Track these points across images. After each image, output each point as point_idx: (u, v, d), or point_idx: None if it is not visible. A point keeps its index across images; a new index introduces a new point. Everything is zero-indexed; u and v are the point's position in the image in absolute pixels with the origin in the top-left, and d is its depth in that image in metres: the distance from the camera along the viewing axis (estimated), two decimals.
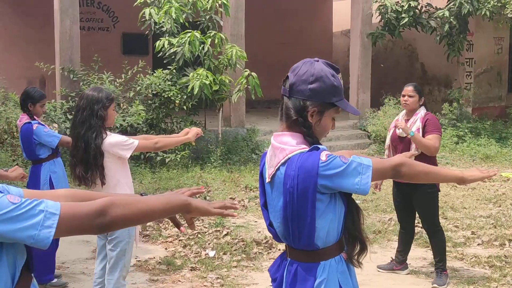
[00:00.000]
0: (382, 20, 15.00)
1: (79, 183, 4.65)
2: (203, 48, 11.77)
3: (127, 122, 11.17)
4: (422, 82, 18.24)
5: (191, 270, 6.40)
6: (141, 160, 11.53)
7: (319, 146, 2.61)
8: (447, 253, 6.96)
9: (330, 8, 21.07)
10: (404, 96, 6.20)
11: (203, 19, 12.43)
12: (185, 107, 11.83)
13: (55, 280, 5.97)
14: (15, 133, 10.76)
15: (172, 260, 6.62)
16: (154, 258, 6.76)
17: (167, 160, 11.36)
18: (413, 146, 6.00)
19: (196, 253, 6.90)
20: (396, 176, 2.67)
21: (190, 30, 11.60)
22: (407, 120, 6.19)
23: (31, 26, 15.95)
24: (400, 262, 6.45)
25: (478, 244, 7.38)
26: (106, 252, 4.57)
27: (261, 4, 19.53)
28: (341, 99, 2.71)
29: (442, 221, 8.26)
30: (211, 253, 6.86)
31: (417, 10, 14.84)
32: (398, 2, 14.90)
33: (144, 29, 12.30)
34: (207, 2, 12.06)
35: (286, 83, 2.70)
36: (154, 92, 11.86)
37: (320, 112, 2.66)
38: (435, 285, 6.00)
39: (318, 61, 2.70)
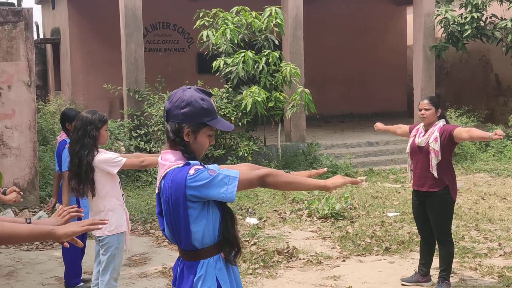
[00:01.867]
0: (445, 33, 14.97)
1: (74, 194, 5.23)
2: (257, 67, 12.30)
3: None
4: (497, 93, 17.98)
5: None
6: None
7: (191, 162, 3.02)
8: (464, 263, 7.12)
9: (405, 21, 21.10)
10: (420, 110, 6.36)
11: (259, 38, 12.94)
12: (240, 124, 12.37)
13: (82, 284, 6.58)
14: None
15: None
16: None
17: None
18: (431, 155, 6.18)
19: None
20: (263, 185, 3.04)
21: (244, 50, 12.16)
22: (426, 131, 6.37)
23: (111, 50, 17.04)
24: (424, 275, 6.54)
25: (500, 255, 7.41)
26: None
27: (336, 20, 19.89)
28: (212, 119, 3.12)
29: (473, 233, 8.38)
30: None
31: (481, 22, 14.70)
32: (461, 14, 14.84)
33: (203, 50, 12.98)
34: (262, 22, 12.59)
35: (164, 110, 3.14)
36: None
37: (194, 132, 3.08)
38: None
39: (190, 88, 3.13)
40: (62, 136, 6.58)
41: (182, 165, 3.04)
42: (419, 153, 6.32)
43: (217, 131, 12.30)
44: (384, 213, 9.58)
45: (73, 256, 6.34)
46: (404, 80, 20.93)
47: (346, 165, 13.19)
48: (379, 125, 7.13)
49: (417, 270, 6.60)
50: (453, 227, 8.58)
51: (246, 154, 12.21)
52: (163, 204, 3.08)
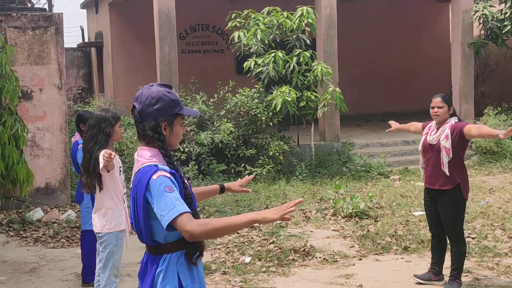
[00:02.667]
0: (483, 29, 14.70)
1: (86, 190, 5.41)
2: (288, 67, 12.36)
3: (217, 139, 12.01)
4: None
5: (222, 274, 6.96)
6: (231, 174, 12.28)
7: (160, 166, 3.11)
8: (482, 263, 7.03)
9: (447, 18, 20.76)
10: (433, 108, 6.32)
11: (291, 38, 12.98)
12: (271, 124, 12.45)
13: None
14: (125, 151, 11.94)
15: (209, 265, 7.22)
16: None
17: (254, 173, 12.02)
18: (442, 153, 6.15)
19: (235, 259, 7.45)
20: (191, 239, 3.00)
21: (274, 51, 12.23)
22: (438, 128, 6.34)
23: (150, 52, 17.32)
24: (436, 274, 6.51)
25: None
26: None
27: (377, 18, 19.76)
28: (182, 108, 3.24)
29: (498, 232, 8.24)
30: (247, 259, 7.38)
31: None
32: (501, 10, 14.55)
33: (230, 51, 13.11)
34: (294, 22, 12.63)
35: (134, 111, 3.23)
36: (244, 110, 12.60)
37: (170, 124, 3.20)
38: None
39: (152, 85, 3.23)
40: (75, 137, 6.77)
41: (153, 164, 3.14)
42: (431, 150, 6.28)
43: (248, 131, 12.46)
44: (410, 212, 9.49)
45: (89, 253, 6.52)
46: (447, 77, 20.56)
47: (380, 164, 13.11)
48: (393, 124, 7.10)
49: (429, 269, 6.55)
50: (478, 226, 8.54)
51: (277, 154, 12.26)
52: (130, 199, 3.20)
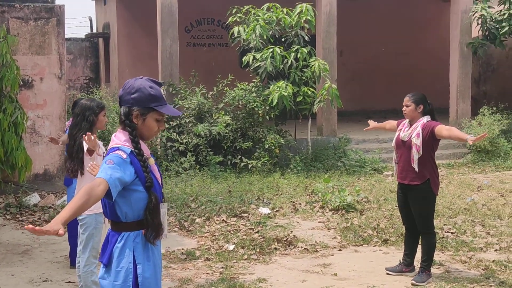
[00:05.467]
0: (482, 30, 14.88)
1: (70, 175, 5.73)
2: (286, 62, 12.62)
3: (214, 131, 12.31)
4: None
5: (205, 260, 7.26)
6: (228, 166, 12.57)
7: (122, 147, 3.41)
8: (456, 256, 7.28)
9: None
10: (403, 106, 6.62)
11: (289, 35, 13.23)
12: (268, 117, 12.72)
13: None
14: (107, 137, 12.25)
15: (194, 251, 7.52)
16: (182, 249, 7.70)
17: (249, 166, 12.31)
18: (413, 150, 6.42)
19: (219, 247, 7.74)
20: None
21: (273, 46, 12.50)
22: (411, 126, 6.60)
23: (155, 44, 17.62)
24: (407, 265, 6.78)
25: (495, 250, 7.51)
26: None
27: (381, 15, 19.94)
28: (160, 105, 3.51)
29: (478, 228, 8.47)
30: (230, 247, 7.67)
31: None
32: (500, 11, 14.72)
33: (234, 45, 13.38)
34: (293, 19, 12.88)
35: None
36: (241, 103, 12.88)
37: (142, 114, 3.50)
38: (413, 281, 6.39)
39: (141, 78, 3.55)
40: (69, 123, 7.08)
41: (116, 147, 3.44)
42: (403, 146, 6.54)
43: (245, 124, 12.73)
44: (396, 206, 9.72)
45: (77, 236, 6.82)
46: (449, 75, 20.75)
47: (374, 160, 13.35)
48: (371, 123, 7.38)
49: (401, 260, 6.81)
50: (459, 221, 8.78)
51: (273, 147, 12.53)
52: None
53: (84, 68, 20.89)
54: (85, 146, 5.38)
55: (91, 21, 21.61)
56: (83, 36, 21.03)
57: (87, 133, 5.23)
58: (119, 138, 3.50)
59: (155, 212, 3.46)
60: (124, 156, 3.38)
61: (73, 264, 6.95)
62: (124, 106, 3.51)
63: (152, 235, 3.48)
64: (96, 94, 14.87)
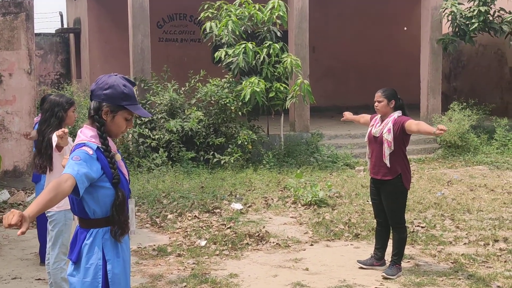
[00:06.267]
0: (452, 26, 15.04)
1: (38, 171, 5.67)
2: (259, 58, 12.62)
3: (187, 127, 12.27)
4: (511, 86, 17.91)
5: (176, 256, 7.24)
6: (200, 162, 12.54)
7: (87, 143, 3.38)
8: (425, 250, 7.36)
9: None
10: (375, 102, 6.67)
11: (262, 30, 13.24)
12: (240, 113, 12.72)
13: None
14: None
15: (165, 247, 7.50)
16: (154, 245, 7.67)
17: (222, 161, 12.31)
18: (384, 145, 6.47)
19: (191, 243, 7.73)
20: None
21: (245, 42, 12.49)
22: (382, 121, 6.65)
23: (127, 40, 17.52)
24: (378, 259, 6.85)
25: (464, 243, 7.61)
26: None
27: (355, 11, 20.03)
28: (131, 104, 3.50)
29: (447, 222, 8.57)
30: (202, 243, 7.67)
31: (489, 15, 14.73)
32: (469, 7, 14.89)
33: (207, 41, 13.35)
34: (265, 15, 12.88)
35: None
36: (214, 99, 12.85)
37: (112, 111, 3.47)
38: (384, 275, 6.45)
39: (116, 75, 3.52)
40: (37, 119, 7.01)
41: (82, 143, 3.41)
42: (375, 142, 6.59)
43: (218, 119, 12.72)
44: (368, 201, 9.80)
45: (46, 233, 6.76)
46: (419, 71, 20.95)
47: (346, 155, 13.43)
48: (347, 114, 7.42)
49: (372, 254, 6.87)
50: (429, 216, 8.88)
51: (246, 143, 12.53)
52: None
53: (54, 63, 20.68)
54: (54, 142, 5.34)
55: (61, 16, 21.38)
56: (54, 32, 20.78)
57: (64, 129, 5.18)
58: (85, 134, 3.47)
59: (121, 209, 3.45)
60: (91, 152, 3.36)
61: (43, 261, 6.89)
62: (95, 100, 3.48)
63: (118, 232, 3.46)
64: (67, 90, 14.72)
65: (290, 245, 7.68)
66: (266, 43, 12.77)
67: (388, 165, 6.44)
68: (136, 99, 3.55)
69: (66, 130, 5.18)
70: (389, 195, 6.53)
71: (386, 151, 6.44)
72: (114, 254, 3.46)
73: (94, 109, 3.47)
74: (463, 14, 14.67)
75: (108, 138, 3.49)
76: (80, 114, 12.17)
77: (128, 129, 3.60)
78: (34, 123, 7.15)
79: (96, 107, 3.46)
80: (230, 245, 7.58)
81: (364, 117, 7.21)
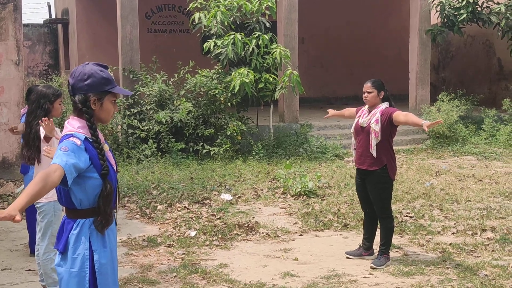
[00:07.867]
0: (440, 17, 15.09)
1: (26, 162, 5.66)
2: (248, 49, 12.61)
3: (176, 118, 12.27)
4: (499, 77, 18.03)
5: (166, 246, 7.26)
6: (190, 153, 12.55)
7: (75, 133, 3.38)
8: (414, 240, 7.41)
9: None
10: (364, 92, 6.68)
11: (251, 21, 13.23)
12: (229, 104, 12.73)
13: None
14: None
15: (155, 238, 7.52)
16: (144, 236, 7.68)
17: (211, 152, 12.32)
18: (371, 136, 6.50)
19: (181, 233, 7.75)
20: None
21: (234, 33, 12.48)
22: (370, 112, 6.68)
23: (115, 31, 17.46)
24: (366, 249, 6.89)
25: (452, 233, 7.67)
26: None
27: (342, 1, 20.02)
28: (113, 87, 3.53)
29: (436, 212, 8.63)
30: (192, 233, 7.68)
31: (477, 6, 14.79)
32: None
33: (195, 32, 13.33)
34: (254, 5, 12.86)
35: (68, 86, 3.50)
36: (203, 90, 12.85)
37: (99, 99, 3.48)
38: (372, 265, 6.49)
39: (88, 64, 3.51)
40: (24, 110, 6.98)
41: (70, 133, 3.41)
42: (362, 132, 6.62)
43: (207, 110, 12.72)
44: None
45: (35, 224, 6.76)
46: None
47: (335, 146, 13.47)
48: (331, 111, 7.44)
49: (361, 244, 6.91)
50: (417, 206, 8.93)
51: (235, 134, 12.55)
52: None
53: (43, 54, 20.58)
54: (42, 134, 5.33)
55: (49, 6, 21.27)
56: (42, 22, 20.67)
57: (44, 118, 5.16)
58: (73, 125, 3.47)
59: (108, 200, 3.45)
60: (79, 142, 3.36)
61: (32, 252, 6.87)
62: (78, 94, 3.47)
63: (101, 224, 3.46)
64: (55, 81, 14.66)
65: (279, 235, 7.71)
66: (255, 34, 12.76)
67: (374, 155, 6.46)
68: (114, 80, 3.56)
69: (46, 118, 5.15)
70: (375, 186, 6.57)
71: (373, 141, 6.47)
72: (100, 244, 3.47)
73: (81, 102, 3.45)
74: (452, 5, 14.73)
75: (97, 129, 3.49)
76: (67, 105, 12.12)
77: (115, 113, 3.61)
78: (21, 115, 7.12)
79: (83, 100, 3.45)
80: (220, 236, 7.61)
81: (349, 110, 7.23)
